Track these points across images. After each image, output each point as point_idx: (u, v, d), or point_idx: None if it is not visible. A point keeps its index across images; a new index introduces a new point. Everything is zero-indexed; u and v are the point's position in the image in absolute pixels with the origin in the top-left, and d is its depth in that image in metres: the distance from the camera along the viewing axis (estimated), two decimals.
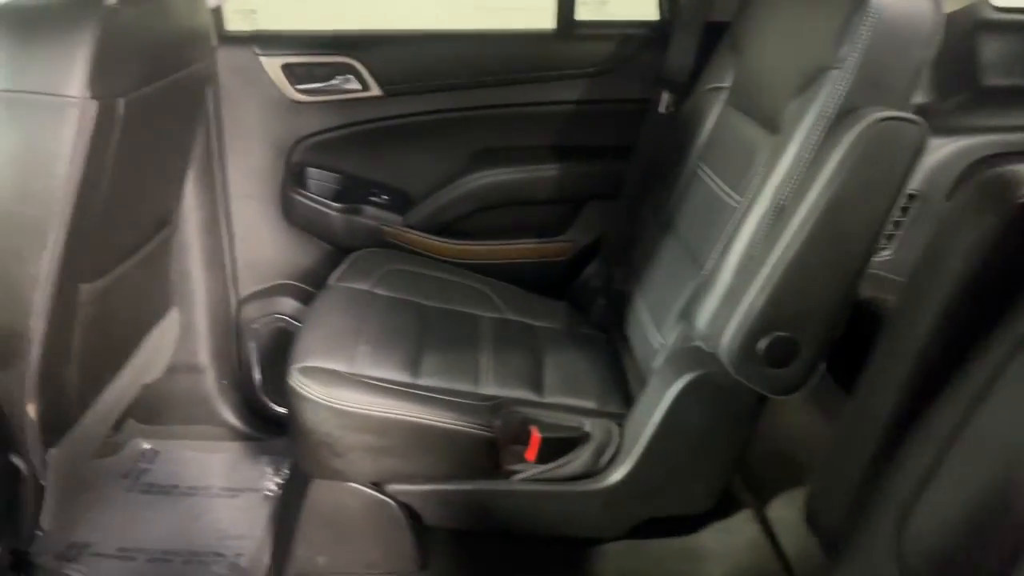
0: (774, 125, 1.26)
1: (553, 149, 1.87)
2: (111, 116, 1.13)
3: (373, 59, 1.75)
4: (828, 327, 1.15)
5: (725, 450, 1.32)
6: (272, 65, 1.74)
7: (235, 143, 1.79)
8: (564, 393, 1.40)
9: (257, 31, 1.80)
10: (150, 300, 1.62)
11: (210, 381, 1.90)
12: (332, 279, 1.64)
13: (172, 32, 1.34)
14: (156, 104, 1.29)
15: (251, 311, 1.91)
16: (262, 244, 1.90)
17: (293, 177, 1.83)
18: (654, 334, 1.41)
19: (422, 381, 1.34)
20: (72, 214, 1.12)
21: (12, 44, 1.05)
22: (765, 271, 1.12)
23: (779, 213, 1.15)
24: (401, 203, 1.87)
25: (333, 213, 1.82)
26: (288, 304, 1.90)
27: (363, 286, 1.61)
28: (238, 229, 1.87)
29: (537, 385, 1.40)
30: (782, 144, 1.18)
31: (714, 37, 1.61)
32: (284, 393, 1.89)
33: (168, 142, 1.46)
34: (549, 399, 1.38)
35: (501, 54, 1.81)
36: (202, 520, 1.63)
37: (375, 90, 1.77)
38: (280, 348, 1.91)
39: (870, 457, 0.78)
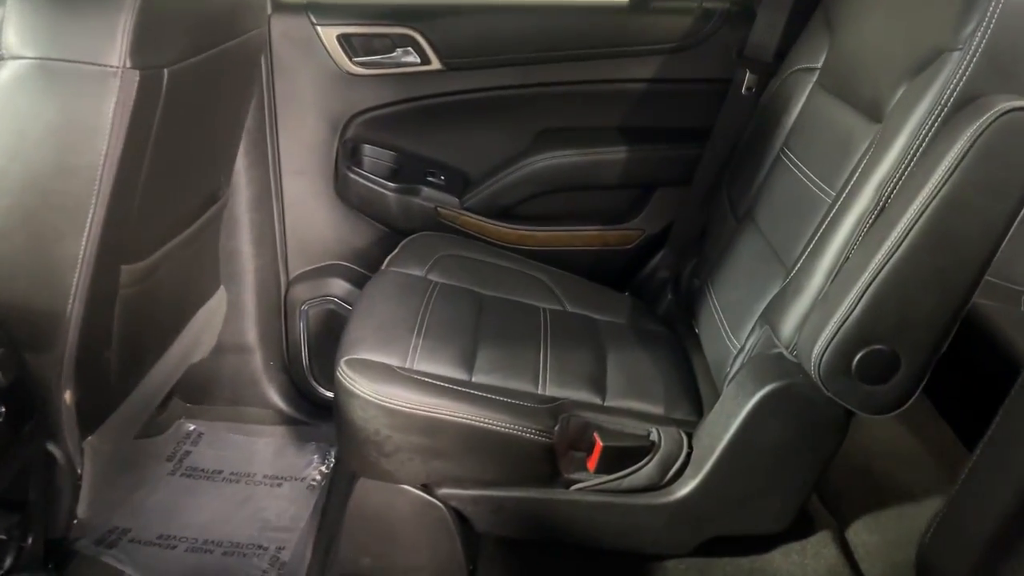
0: (876, 112, 1.13)
1: (623, 131, 1.75)
2: (155, 88, 1.05)
3: (435, 31, 1.65)
4: (934, 342, 1.02)
5: (806, 468, 1.21)
6: (328, 35, 1.65)
7: (288, 116, 1.72)
8: (629, 396, 1.30)
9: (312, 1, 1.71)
10: (197, 279, 1.56)
11: (257, 362, 1.84)
12: (385, 263, 1.56)
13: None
14: (205, 75, 1.21)
15: (301, 291, 1.84)
16: (313, 222, 1.82)
17: (347, 154, 1.75)
18: (730, 337, 1.30)
19: (478, 379, 1.25)
20: (113, 191, 1.05)
21: (50, 8, 0.97)
22: (864, 277, 0.99)
23: (882, 212, 1.02)
24: (459, 184, 1.78)
25: (389, 194, 1.74)
26: (339, 286, 1.83)
27: (417, 272, 1.52)
28: (289, 206, 1.80)
29: (600, 387, 1.30)
30: (887, 134, 1.05)
31: (804, 13, 1.48)
32: (332, 381, 1.88)
33: (218, 115, 1.38)
34: (613, 403, 1.28)
35: (570, 28, 1.70)
36: (245, 509, 1.58)
37: (436, 64, 1.67)
38: (330, 331, 1.85)
39: (1004, 516, 0.67)
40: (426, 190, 1.74)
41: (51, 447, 1.16)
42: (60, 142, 1.01)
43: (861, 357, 1.02)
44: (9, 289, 1.06)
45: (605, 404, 1.28)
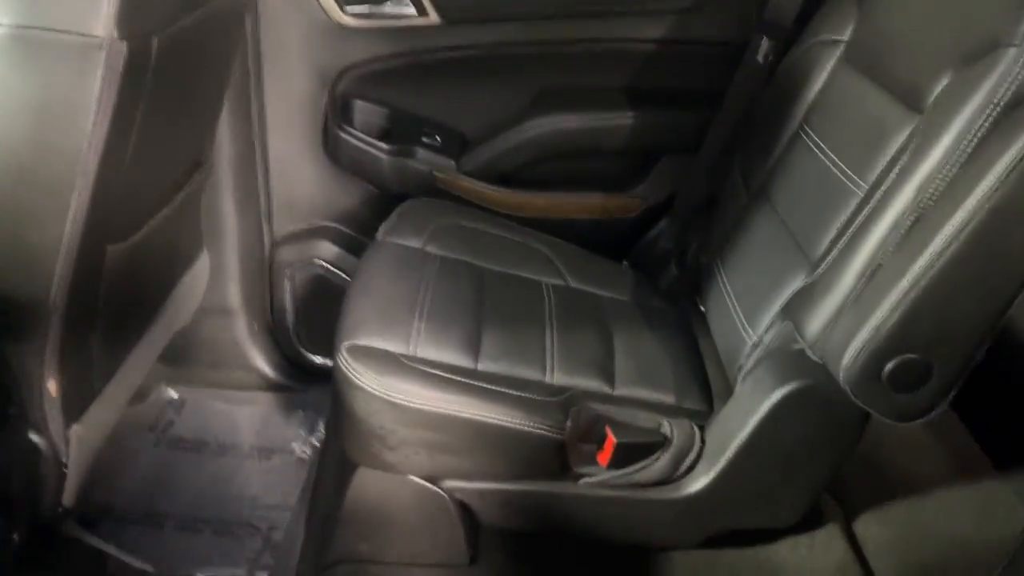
0: (914, 100, 1.07)
1: (628, 92, 1.67)
2: (143, 59, 0.95)
3: None
4: (969, 353, 0.99)
5: (821, 466, 1.19)
6: None
7: (274, 70, 1.61)
8: (638, 384, 1.26)
9: None
10: (180, 247, 1.47)
11: (240, 325, 1.77)
12: (380, 233, 1.48)
13: None
14: (192, 38, 1.11)
15: (287, 253, 1.76)
16: (300, 181, 1.73)
17: (338, 110, 1.65)
18: (745, 326, 1.25)
19: (485, 367, 1.19)
20: (98, 171, 0.96)
21: None
22: (902, 284, 0.95)
23: (923, 214, 0.97)
24: (455, 145, 1.69)
25: (382, 156, 1.64)
26: (327, 249, 1.75)
27: (414, 243, 1.45)
28: (274, 164, 1.70)
29: (609, 374, 1.26)
30: (930, 130, 1.00)
31: None
32: (319, 345, 1.81)
33: (204, 78, 1.28)
34: (622, 391, 1.24)
35: None
36: (233, 483, 1.53)
37: (433, 16, 1.56)
38: (317, 295, 1.78)
39: None
40: (421, 152, 1.65)
41: (35, 438, 1.09)
42: (40, 119, 0.92)
43: (893, 366, 0.98)
44: None
45: (614, 393, 1.24)
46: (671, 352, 1.36)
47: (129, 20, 0.89)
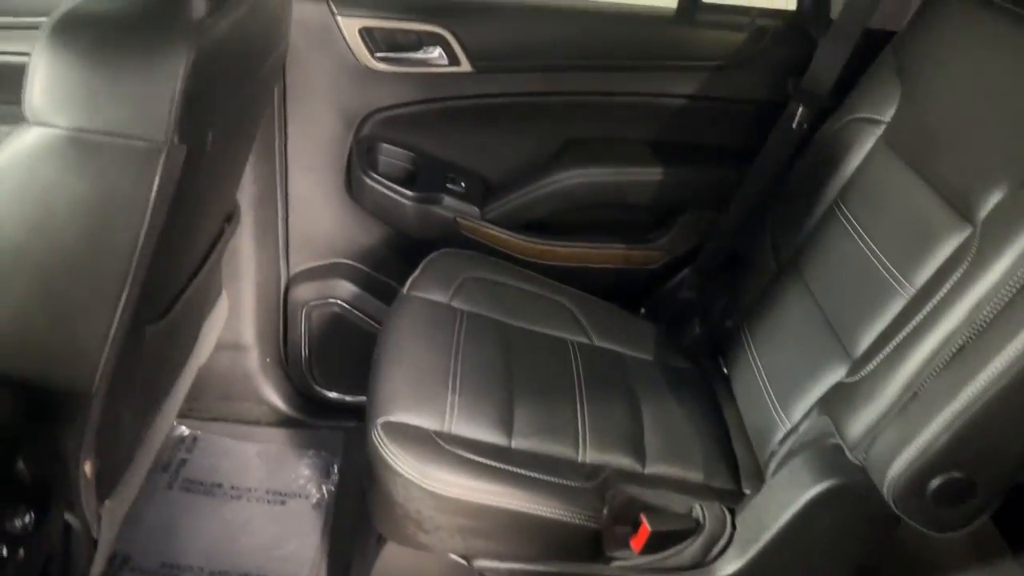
0: (965, 208, 1.07)
1: (656, 146, 1.66)
2: (200, 153, 0.93)
3: (468, 30, 1.51)
4: (1014, 473, 1.00)
5: (853, 556, 1.20)
6: (350, 27, 1.50)
7: (299, 110, 1.58)
8: (668, 461, 1.26)
9: None
10: (206, 297, 1.45)
11: (253, 359, 1.76)
12: (406, 286, 1.46)
13: (261, 24, 1.11)
14: (239, 113, 1.08)
15: (303, 291, 1.74)
16: (320, 219, 1.71)
17: (363, 153, 1.62)
18: (777, 410, 1.26)
19: (518, 444, 1.19)
20: (149, 263, 0.94)
21: (86, 71, 0.83)
22: (953, 406, 0.95)
23: (976, 335, 0.98)
24: (479, 191, 1.67)
25: (407, 202, 1.62)
26: (344, 287, 1.73)
27: (440, 297, 1.44)
28: (294, 202, 1.67)
29: (639, 450, 1.26)
30: (987, 249, 1.00)
31: (871, 51, 1.39)
32: (333, 378, 1.80)
33: (243, 140, 1.25)
34: (653, 469, 1.24)
35: (611, 36, 1.58)
36: (248, 531, 1.52)
37: (465, 65, 1.54)
38: (332, 333, 1.77)
39: None
40: (446, 199, 1.63)
41: (69, 518, 1.08)
42: (93, 219, 0.89)
43: (938, 483, 0.99)
44: (28, 371, 0.95)
45: (645, 472, 1.24)
46: (698, 423, 1.37)
47: (189, 120, 0.87)
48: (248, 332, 1.72)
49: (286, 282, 1.74)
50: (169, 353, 1.22)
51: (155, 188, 0.87)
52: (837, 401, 1.14)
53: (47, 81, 0.83)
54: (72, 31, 0.84)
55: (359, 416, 1.25)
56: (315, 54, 1.52)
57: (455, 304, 1.44)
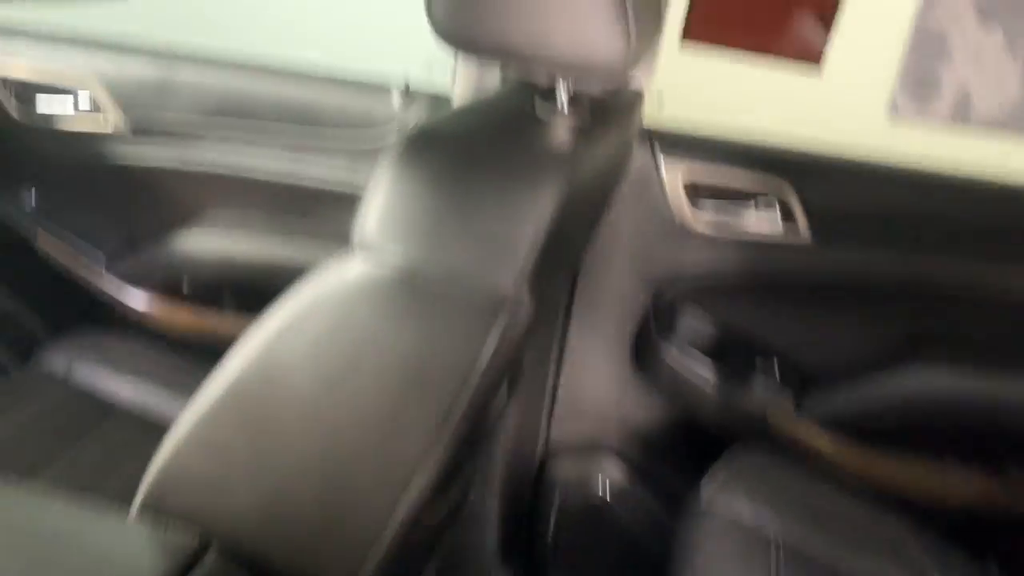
0: None
1: None
2: (541, 310, 0.71)
3: (811, 191, 1.26)
4: None
5: None
6: (672, 174, 1.29)
7: (592, 261, 1.36)
8: None
9: (663, 129, 1.30)
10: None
11: (492, 535, 1.50)
12: (703, 491, 1.17)
13: (612, 162, 0.92)
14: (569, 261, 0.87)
15: (559, 471, 1.48)
16: (593, 388, 1.46)
17: (663, 320, 1.38)
18: None
19: None
20: (451, 442, 0.71)
21: (437, 201, 0.65)
22: None
23: None
24: (795, 381, 1.37)
25: (708, 384, 1.35)
26: (609, 474, 1.46)
27: (746, 513, 1.13)
28: (568, 367, 1.44)
29: None
30: None
31: None
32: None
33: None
34: None
35: (991, 213, 1.27)
36: None
37: (804, 236, 1.28)
38: (585, 525, 1.48)
39: None
40: (756, 387, 1.34)
41: None
42: (411, 374, 0.68)
43: None
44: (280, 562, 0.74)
45: None
46: None
47: (541, 273, 0.65)
48: (492, 505, 1.47)
49: (541, 457, 1.49)
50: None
51: (488, 352, 0.66)
52: None
53: (387, 206, 0.65)
54: (426, 152, 0.67)
55: None
56: (623, 203, 1.32)
57: (764, 529, 1.12)
